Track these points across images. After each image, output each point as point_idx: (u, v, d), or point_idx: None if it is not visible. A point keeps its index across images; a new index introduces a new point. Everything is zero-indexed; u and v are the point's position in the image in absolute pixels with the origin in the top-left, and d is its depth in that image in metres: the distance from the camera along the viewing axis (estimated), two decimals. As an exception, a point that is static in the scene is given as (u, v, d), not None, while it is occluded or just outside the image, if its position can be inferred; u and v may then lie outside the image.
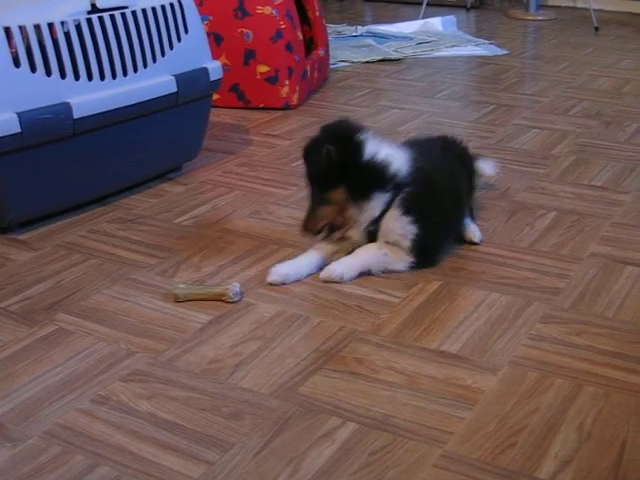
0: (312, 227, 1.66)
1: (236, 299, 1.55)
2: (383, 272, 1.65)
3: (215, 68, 2.18)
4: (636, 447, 1.16)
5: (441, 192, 1.70)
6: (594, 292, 1.59)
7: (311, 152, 1.64)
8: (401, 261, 1.66)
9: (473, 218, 1.85)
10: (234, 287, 1.55)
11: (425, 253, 1.67)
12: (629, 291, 1.59)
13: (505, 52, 3.86)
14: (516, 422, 1.21)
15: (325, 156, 1.59)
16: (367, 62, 3.59)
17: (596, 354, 1.38)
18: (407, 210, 1.63)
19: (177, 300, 1.55)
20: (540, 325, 1.47)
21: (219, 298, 1.55)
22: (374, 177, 1.63)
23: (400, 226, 1.64)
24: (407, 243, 1.64)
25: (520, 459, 1.14)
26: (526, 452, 1.15)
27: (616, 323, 1.48)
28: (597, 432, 1.19)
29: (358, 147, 1.62)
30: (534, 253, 1.75)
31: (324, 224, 1.67)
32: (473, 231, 1.80)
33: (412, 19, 4.47)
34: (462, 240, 1.78)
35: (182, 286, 1.57)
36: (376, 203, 1.63)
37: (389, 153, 1.65)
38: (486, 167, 2.02)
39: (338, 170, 1.60)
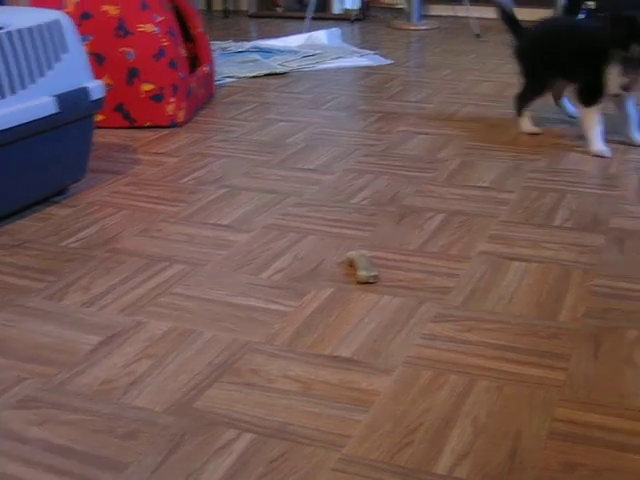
0: None
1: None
2: None
3: (96, 87, 2.14)
4: (530, 436, 1.18)
5: None
6: (484, 289, 1.61)
7: None
8: None
9: None
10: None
11: None
12: (517, 286, 1.62)
13: (389, 62, 3.91)
14: (412, 420, 1.22)
15: None
16: (254, 77, 3.59)
17: (488, 349, 1.40)
18: None
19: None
20: (432, 324, 1.49)
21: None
22: None
23: None
24: None
25: (418, 456, 1.14)
26: (423, 449, 1.16)
27: (506, 317, 1.51)
28: (492, 424, 1.21)
29: None
30: (424, 255, 1.77)
31: None
32: None
33: (297, 33, 4.50)
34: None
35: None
36: None
37: None
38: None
39: None
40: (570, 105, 2.79)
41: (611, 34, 2.31)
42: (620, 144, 2.50)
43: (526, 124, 2.68)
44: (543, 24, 2.70)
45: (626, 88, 2.35)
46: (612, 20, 2.33)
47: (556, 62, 2.55)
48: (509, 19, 2.70)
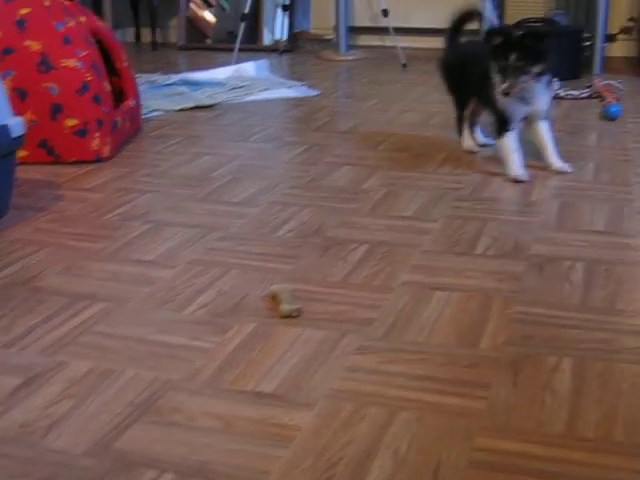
0: None
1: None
2: None
3: (17, 124, 2.13)
4: (449, 466, 1.19)
5: None
6: (406, 319, 1.63)
7: None
8: None
9: None
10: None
11: None
12: (439, 315, 1.64)
13: (317, 93, 3.94)
14: (333, 454, 1.22)
15: None
16: (181, 110, 3.59)
17: (409, 380, 1.41)
18: None
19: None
20: (354, 356, 1.49)
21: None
22: None
23: None
24: None
25: (338, 491, 1.15)
26: (344, 483, 1.16)
27: (427, 347, 1.52)
28: (412, 455, 1.22)
29: None
30: (347, 287, 1.78)
31: None
32: None
33: (227, 65, 4.51)
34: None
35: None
36: None
37: None
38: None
39: None
40: (481, 134, 2.86)
41: (490, 47, 2.44)
42: (540, 170, 2.55)
43: (464, 141, 2.82)
44: (458, 46, 2.80)
45: (507, 94, 2.42)
46: (488, 34, 2.50)
47: (464, 82, 2.74)
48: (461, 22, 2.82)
